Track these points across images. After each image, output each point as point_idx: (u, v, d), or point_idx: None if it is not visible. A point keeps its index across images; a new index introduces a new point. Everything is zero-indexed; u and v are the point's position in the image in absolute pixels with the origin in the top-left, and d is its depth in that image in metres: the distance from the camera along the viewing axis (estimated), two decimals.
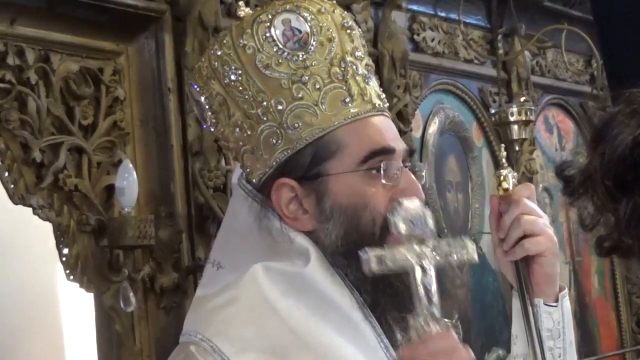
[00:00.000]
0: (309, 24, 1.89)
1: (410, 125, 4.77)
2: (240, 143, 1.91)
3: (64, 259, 3.53)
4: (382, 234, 1.84)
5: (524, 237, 1.93)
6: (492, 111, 5.25)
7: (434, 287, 1.72)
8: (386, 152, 1.88)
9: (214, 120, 1.95)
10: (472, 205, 5.27)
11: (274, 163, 1.87)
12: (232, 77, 1.88)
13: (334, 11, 1.94)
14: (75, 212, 3.55)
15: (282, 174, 1.87)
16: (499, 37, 5.53)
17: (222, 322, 1.81)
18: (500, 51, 5.52)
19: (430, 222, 1.77)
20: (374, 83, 1.95)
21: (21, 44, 3.45)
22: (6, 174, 3.38)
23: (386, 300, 1.84)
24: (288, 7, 1.90)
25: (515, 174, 2.02)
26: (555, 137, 6.14)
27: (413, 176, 1.90)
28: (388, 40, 4.76)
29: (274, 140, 1.86)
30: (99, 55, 3.71)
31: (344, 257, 1.84)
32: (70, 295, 5.12)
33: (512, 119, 5.13)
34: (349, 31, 1.94)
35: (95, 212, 3.58)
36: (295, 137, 1.85)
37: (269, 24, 1.87)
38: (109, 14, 3.67)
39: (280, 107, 1.85)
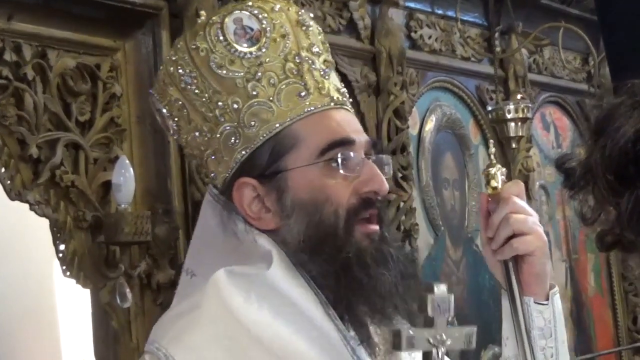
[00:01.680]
0: (261, 22, 1.87)
1: (407, 122, 4.77)
2: (202, 148, 1.89)
3: (60, 255, 3.53)
4: (347, 227, 1.82)
5: (513, 236, 1.90)
6: (489, 109, 5.25)
7: None
8: (345, 143, 1.85)
9: (175, 128, 1.93)
10: (469, 202, 5.27)
11: (234, 164, 1.86)
12: (188, 80, 1.86)
13: (288, 9, 1.92)
14: (71, 208, 3.54)
15: (243, 173, 1.85)
16: (496, 34, 5.53)
17: (179, 329, 1.78)
18: (498, 49, 5.52)
19: (452, 308, 1.72)
20: (333, 78, 1.92)
21: (18, 40, 3.45)
22: (3, 170, 3.38)
23: (351, 294, 1.80)
24: (240, 7, 1.89)
25: (504, 169, 1.98)
26: (552, 134, 6.14)
27: (376, 168, 1.87)
28: (385, 37, 4.76)
29: (233, 141, 1.84)
30: (96, 51, 3.71)
31: (305, 253, 1.82)
32: (67, 291, 5.13)
33: (509, 116, 5.13)
34: (304, 28, 1.91)
35: (92, 209, 3.57)
36: (252, 135, 1.83)
37: (220, 24, 1.86)
38: (106, 10, 3.67)
39: (236, 107, 1.83)
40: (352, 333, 1.82)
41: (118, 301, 3.51)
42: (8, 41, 3.41)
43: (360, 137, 1.88)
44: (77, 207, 3.55)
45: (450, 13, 5.27)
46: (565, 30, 5.59)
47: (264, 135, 1.83)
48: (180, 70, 1.87)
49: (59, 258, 3.54)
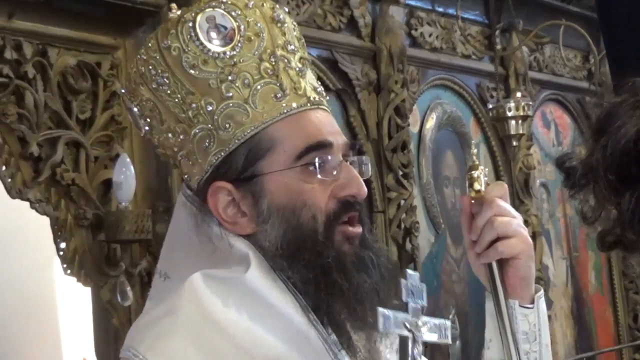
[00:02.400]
0: (235, 20, 1.81)
1: (407, 120, 4.77)
2: (176, 149, 1.83)
3: (61, 253, 3.53)
4: (326, 232, 1.78)
5: (498, 239, 1.84)
6: (490, 106, 5.25)
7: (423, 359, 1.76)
8: (322, 146, 1.79)
9: (147, 128, 1.87)
10: None
11: (209, 167, 1.80)
12: (160, 81, 1.81)
13: (262, 4, 1.85)
14: (72, 206, 3.55)
15: (218, 176, 1.79)
16: (497, 32, 5.53)
17: (155, 336, 1.73)
18: (498, 47, 5.52)
19: (425, 297, 1.79)
20: (310, 77, 1.87)
21: (19, 38, 3.45)
22: (3, 168, 3.38)
23: (331, 300, 1.77)
24: (213, 3, 1.82)
25: (487, 170, 1.94)
26: (553, 132, 6.14)
27: (354, 170, 1.82)
28: (386, 35, 4.76)
29: (207, 143, 1.78)
30: (97, 49, 3.71)
31: (284, 260, 1.77)
32: (68, 289, 5.13)
33: (509, 114, 5.13)
34: (279, 24, 1.85)
35: (93, 207, 3.57)
36: (227, 137, 1.78)
37: (192, 22, 1.80)
38: (107, 8, 3.67)
39: (210, 108, 1.78)
40: (333, 337, 1.78)
41: (119, 299, 3.51)
42: (9, 39, 3.41)
43: (338, 138, 1.82)
44: (77, 205, 3.55)
45: (450, 11, 5.27)
46: (566, 28, 5.59)
47: (239, 138, 1.77)
48: (152, 71, 1.82)
49: (59, 256, 3.54)
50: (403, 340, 1.77)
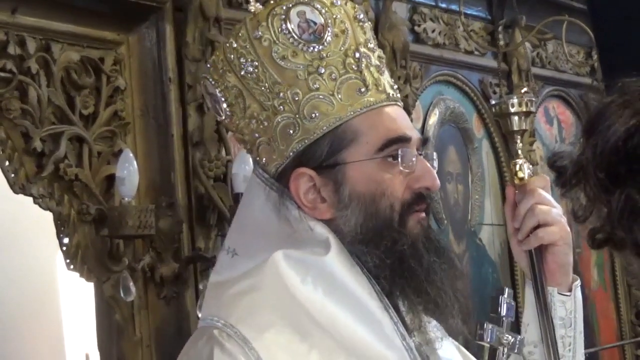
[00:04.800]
0: (323, 16, 1.91)
1: (410, 116, 4.77)
2: (256, 135, 1.93)
3: (64, 248, 3.54)
4: (401, 220, 1.89)
5: (538, 226, 1.97)
6: (493, 102, 5.24)
7: None
8: (402, 140, 1.90)
9: (228, 113, 1.97)
10: (473, 196, 5.27)
11: (291, 153, 1.89)
12: (249, 69, 1.90)
13: (346, 4, 1.96)
14: (75, 201, 3.55)
15: (300, 163, 1.89)
16: (500, 28, 5.53)
17: (244, 309, 1.83)
18: (501, 42, 5.52)
19: (514, 313, 2.00)
20: (386, 74, 1.98)
21: (22, 34, 3.45)
22: (7, 163, 3.39)
23: (404, 285, 1.87)
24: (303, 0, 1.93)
25: (530, 165, 2.07)
26: (556, 128, 6.14)
27: (428, 164, 1.94)
28: (389, 31, 4.76)
29: (291, 131, 1.88)
30: (100, 45, 3.72)
31: (362, 244, 1.87)
32: (70, 284, 5.13)
33: (512, 110, 5.07)
34: (361, 23, 1.96)
35: (96, 202, 3.58)
36: (312, 127, 1.88)
37: (284, 16, 1.90)
38: (110, 4, 3.67)
39: (296, 98, 1.88)
40: (406, 322, 1.89)
41: (122, 294, 3.52)
42: (12, 34, 3.42)
43: (414, 133, 1.94)
44: (80, 201, 3.56)
45: (453, 7, 5.27)
46: (569, 24, 5.58)
47: (324, 128, 1.87)
48: (242, 59, 1.90)
49: (62, 251, 3.55)
50: (493, 352, 1.95)
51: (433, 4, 5.23)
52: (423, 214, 1.92)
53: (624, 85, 1.36)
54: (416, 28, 5.08)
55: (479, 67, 5.48)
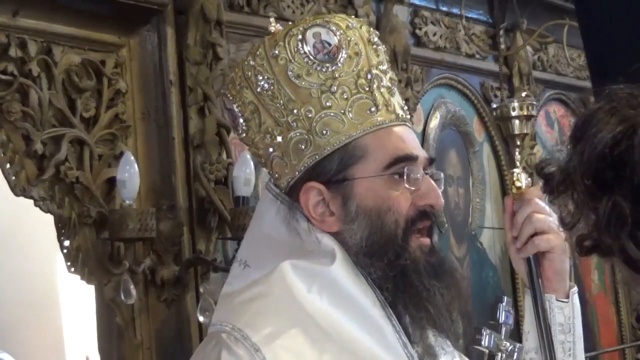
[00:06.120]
0: (338, 37, 1.99)
1: (411, 119, 4.77)
2: (270, 149, 2.00)
3: (64, 250, 3.54)
4: (405, 235, 1.96)
5: (535, 234, 2.03)
6: (494, 106, 5.21)
7: None
8: (409, 159, 1.98)
9: (245, 128, 2.04)
10: (473, 199, 5.27)
11: (302, 168, 1.97)
12: (265, 86, 1.97)
13: (361, 27, 2.05)
14: (76, 204, 3.55)
15: (310, 178, 1.97)
16: (501, 32, 5.53)
17: (252, 314, 1.90)
18: (502, 46, 5.52)
19: (512, 321, 2.11)
20: (397, 95, 2.07)
21: (23, 36, 3.45)
22: (8, 165, 3.39)
23: (406, 299, 1.94)
24: (319, 22, 2.01)
25: (529, 178, 2.13)
26: (556, 132, 6.14)
27: (434, 183, 2.01)
28: (390, 34, 4.76)
29: (303, 146, 1.96)
30: (101, 47, 3.72)
31: (367, 257, 1.94)
32: (71, 287, 5.13)
33: (513, 113, 5.06)
34: (374, 46, 2.04)
35: (97, 205, 3.58)
36: (323, 143, 1.95)
37: (300, 36, 1.98)
38: (111, 7, 3.67)
39: (309, 115, 1.95)
40: (408, 331, 1.96)
41: (122, 297, 3.52)
42: (13, 37, 3.42)
43: (421, 153, 2.02)
44: (81, 203, 3.56)
45: (455, 10, 5.27)
46: (570, 28, 5.58)
47: (335, 144, 1.95)
48: (259, 76, 1.98)
49: (63, 254, 3.55)
50: (491, 358, 2.05)
51: (434, 7, 5.23)
52: (424, 240, 1.99)
53: (611, 92, 1.36)
54: (417, 31, 5.08)
55: (480, 71, 5.49)
